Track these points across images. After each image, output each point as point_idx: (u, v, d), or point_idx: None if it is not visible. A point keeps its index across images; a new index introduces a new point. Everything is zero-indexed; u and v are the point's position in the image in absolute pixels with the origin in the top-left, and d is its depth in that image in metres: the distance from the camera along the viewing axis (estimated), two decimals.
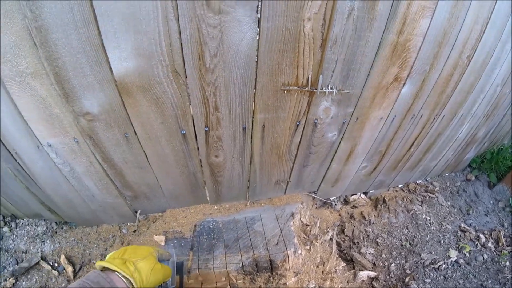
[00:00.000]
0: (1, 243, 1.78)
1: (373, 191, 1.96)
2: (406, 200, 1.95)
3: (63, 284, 1.56)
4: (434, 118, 1.59)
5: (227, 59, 0.97)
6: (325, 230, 1.61)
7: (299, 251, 1.39)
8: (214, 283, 1.28)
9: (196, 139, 1.20)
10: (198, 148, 1.24)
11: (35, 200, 1.50)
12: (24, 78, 0.92)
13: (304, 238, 1.51)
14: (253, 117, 1.18)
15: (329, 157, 1.50)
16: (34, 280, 1.62)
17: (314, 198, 1.72)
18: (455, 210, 2.02)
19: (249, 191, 1.53)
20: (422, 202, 1.97)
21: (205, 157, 1.28)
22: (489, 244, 1.80)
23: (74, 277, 1.55)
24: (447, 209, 2.00)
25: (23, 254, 1.70)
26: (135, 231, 1.58)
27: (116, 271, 0.77)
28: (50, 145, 1.15)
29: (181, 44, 0.91)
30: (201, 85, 1.02)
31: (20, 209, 1.68)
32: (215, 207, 1.55)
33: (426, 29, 1.10)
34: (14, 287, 1.59)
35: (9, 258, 1.70)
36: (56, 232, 1.72)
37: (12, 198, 1.59)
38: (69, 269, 1.55)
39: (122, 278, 0.77)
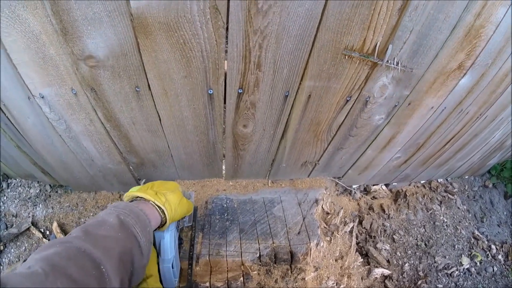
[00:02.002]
0: None
1: (395, 183, 1.82)
2: (427, 198, 1.82)
3: None
4: (477, 117, 1.43)
5: (285, 3, 0.72)
6: (343, 220, 1.46)
7: (321, 244, 1.22)
8: (226, 272, 1.11)
9: (225, 103, 0.97)
10: (224, 114, 1.01)
11: (27, 160, 1.28)
12: (14, 8, 0.70)
13: (325, 228, 1.35)
14: (300, 84, 0.95)
15: (368, 142, 1.31)
16: (24, 247, 1.46)
17: (336, 184, 1.54)
18: (470, 215, 1.94)
19: (271, 170, 1.34)
20: (441, 202, 1.85)
21: (231, 126, 1.06)
22: (499, 257, 1.75)
23: None
24: (463, 213, 1.91)
25: (13, 218, 1.52)
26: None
27: (151, 200, 0.80)
28: (43, 97, 0.92)
29: None
30: (246, 31, 0.76)
31: (12, 168, 1.47)
32: (230, 183, 1.36)
33: (501, 18, 0.92)
34: (1, 254, 1.41)
35: None
36: (49, 196, 1.53)
37: (3, 156, 1.35)
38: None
39: (156, 207, 0.81)
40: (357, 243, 1.51)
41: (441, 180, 2.01)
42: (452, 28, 0.90)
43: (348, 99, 1.05)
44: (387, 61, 0.93)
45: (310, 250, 1.17)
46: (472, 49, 0.99)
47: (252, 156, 1.22)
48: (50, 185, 1.58)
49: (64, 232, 1.42)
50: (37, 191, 1.59)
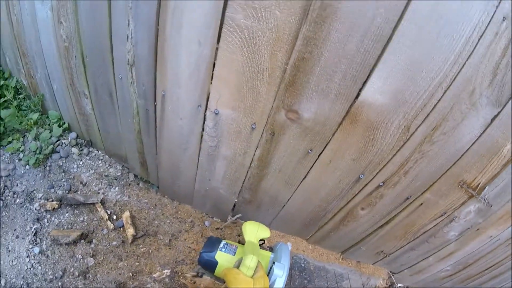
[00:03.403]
0: (64, 160, 1.57)
1: None
2: None
3: (115, 242, 1.39)
4: None
5: (449, 141, 0.99)
6: None
7: None
8: None
9: (363, 188, 1.14)
10: (356, 195, 1.17)
11: (135, 146, 1.35)
12: (254, 36, 0.86)
13: None
14: (422, 194, 1.18)
15: (434, 250, 1.49)
16: (81, 219, 1.44)
17: (389, 277, 1.68)
18: None
19: (350, 248, 1.48)
20: None
21: (352, 205, 1.23)
22: None
23: (132, 242, 1.39)
24: None
25: (81, 185, 1.51)
26: (217, 228, 1.45)
27: None
28: (217, 113, 1.05)
29: (431, 110, 0.90)
30: (415, 149, 1.02)
31: (105, 141, 1.49)
32: (310, 247, 1.47)
33: None
34: (53, 211, 1.39)
35: (64, 180, 1.50)
36: (129, 185, 1.55)
37: (105, 127, 1.40)
38: (130, 230, 1.39)
39: None
40: None
41: None
42: None
43: (443, 214, 1.27)
44: (481, 196, 1.18)
45: None
46: None
47: (347, 232, 1.37)
48: (134, 175, 1.60)
49: (135, 225, 1.44)
50: (117, 174, 1.61)
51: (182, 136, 1.18)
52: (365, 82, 0.87)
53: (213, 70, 0.97)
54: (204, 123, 1.10)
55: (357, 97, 0.90)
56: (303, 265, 1.40)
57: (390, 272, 1.69)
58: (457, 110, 0.90)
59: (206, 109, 1.06)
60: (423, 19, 0.73)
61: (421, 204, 1.22)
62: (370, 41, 0.79)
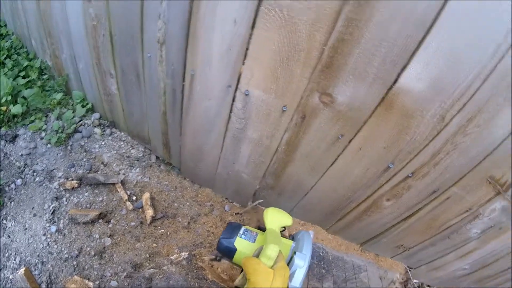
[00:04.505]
0: (86, 140, 1.58)
1: None
2: None
3: (133, 223, 1.40)
4: None
5: (482, 134, 0.97)
6: None
7: None
8: None
9: (391, 178, 1.13)
10: (383, 185, 1.15)
11: (159, 127, 1.35)
12: (294, 15, 0.84)
13: None
14: (449, 187, 1.16)
15: (455, 247, 1.48)
16: (101, 198, 1.45)
17: (406, 272, 1.66)
18: None
19: (370, 240, 1.47)
20: None
21: (377, 195, 1.21)
22: None
23: (150, 223, 1.39)
24: None
25: (102, 165, 1.52)
26: (237, 213, 1.45)
27: None
28: (247, 94, 1.04)
29: (468, 101, 0.88)
30: (447, 139, 1.00)
31: (129, 122, 1.50)
32: (329, 236, 1.46)
33: None
34: (72, 190, 1.40)
35: (85, 159, 1.51)
36: (151, 166, 1.55)
37: (130, 107, 1.40)
38: (149, 212, 1.39)
39: None
40: None
41: None
42: None
43: (468, 210, 1.25)
44: (508, 194, 1.15)
45: None
46: None
47: (369, 223, 1.36)
48: (156, 157, 1.60)
49: (154, 207, 1.44)
50: (139, 155, 1.61)
51: (209, 117, 1.17)
52: (404, 68, 0.85)
53: (246, 49, 0.96)
54: (232, 104, 1.09)
55: (394, 82, 0.88)
56: (321, 254, 1.39)
57: (408, 267, 1.67)
58: (494, 102, 0.88)
59: (236, 90, 1.06)
60: (466, 7, 0.72)
61: (448, 198, 1.20)
62: (413, 25, 0.77)
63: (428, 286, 1.84)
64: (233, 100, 1.09)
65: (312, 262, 1.32)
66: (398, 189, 1.18)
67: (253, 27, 0.92)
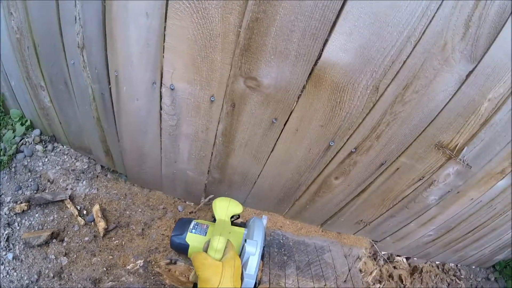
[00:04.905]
0: (29, 159, 1.49)
1: (416, 259, 1.97)
2: (438, 277, 1.99)
3: (87, 238, 1.34)
4: (501, 214, 1.64)
5: (422, 100, 0.94)
6: (377, 279, 1.56)
7: None
8: None
9: (335, 156, 1.10)
10: (328, 164, 1.13)
11: (97, 135, 1.29)
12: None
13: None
14: (397, 158, 1.14)
15: (415, 216, 1.48)
16: (51, 217, 1.39)
17: (372, 246, 1.67)
18: None
19: (329, 220, 1.46)
20: (449, 285, 2.02)
21: (326, 175, 1.21)
22: None
23: (104, 236, 1.33)
24: None
25: (48, 183, 1.45)
26: (191, 212, 1.41)
27: None
28: (173, 89, 1.01)
29: (401, 68, 0.85)
30: (386, 110, 0.97)
31: (68, 134, 1.43)
32: (288, 222, 1.44)
33: None
34: (23, 214, 1.34)
35: (30, 180, 1.44)
36: (97, 177, 1.49)
37: (66, 119, 1.34)
38: (101, 224, 1.34)
39: None
40: None
41: (452, 265, 2.18)
42: (507, 143, 1.12)
43: (421, 178, 1.24)
44: (459, 158, 1.15)
45: None
46: None
47: (323, 204, 1.34)
48: (101, 166, 1.54)
49: (105, 218, 1.39)
50: (84, 167, 1.55)
51: (141, 118, 1.12)
52: (326, 40, 0.81)
53: (164, 42, 0.91)
54: (161, 101, 1.04)
55: (319, 57, 0.85)
56: (281, 241, 1.36)
57: (373, 241, 1.68)
58: (429, 66, 0.85)
59: (161, 86, 1.00)
60: None
61: (397, 169, 1.18)
62: None
63: (399, 255, 1.86)
64: (161, 97, 1.03)
65: (272, 251, 1.29)
66: (345, 166, 1.16)
67: (166, 18, 0.86)
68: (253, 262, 0.83)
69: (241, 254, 0.88)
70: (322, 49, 0.83)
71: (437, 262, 2.10)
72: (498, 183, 1.33)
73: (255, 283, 0.87)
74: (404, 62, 0.84)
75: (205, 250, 0.80)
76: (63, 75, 1.25)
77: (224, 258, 0.76)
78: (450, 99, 0.94)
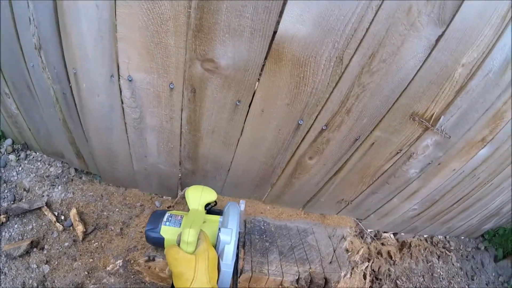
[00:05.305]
0: (3, 170, 1.46)
1: (403, 234, 1.97)
2: (428, 251, 1.99)
3: (66, 243, 1.32)
4: (485, 183, 1.65)
5: (390, 69, 0.91)
6: (363, 258, 1.56)
7: (348, 275, 1.31)
8: None
9: (306, 135, 1.08)
10: (300, 144, 1.11)
11: (65, 137, 1.27)
12: None
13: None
14: (371, 132, 1.12)
15: (397, 191, 1.47)
16: (30, 226, 1.37)
17: (357, 225, 1.66)
18: (462, 272, 2.12)
19: (309, 202, 1.44)
20: (439, 257, 2.03)
21: (299, 155, 1.18)
22: None
23: (83, 239, 1.31)
24: (456, 270, 2.10)
25: (24, 192, 1.42)
26: (169, 207, 1.39)
27: None
28: (131, 80, 0.98)
29: (364, 36, 0.82)
30: (353, 82, 0.94)
31: (39, 140, 1.40)
32: (268, 207, 1.43)
33: None
34: (2, 226, 1.33)
35: (6, 191, 1.42)
36: (72, 180, 1.46)
37: (34, 124, 1.31)
38: (79, 227, 1.32)
39: None
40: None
41: (441, 237, 2.21)
42: (485, 110, 1.11)
43: (398, 151, 1.22)
44: (437, 128, 1.12)
45: (342, 278, 1.24)
46: (494, 127, 1.20)
47: (301, 186, 1.32)
48: (75, 169, 1.51)
49: (83, 221, 1.37)
50: (58, 172, 1.52)
51: (104, 114, 1.09)
52: (281, 13, 0.78)
53: (116, 33, 0.88)
54: (121, 94, 1.01)
55: (275, 32, 0.82)
56: (263, 227, 1.35)
57: (357, 219, 1.67)
58: (395, 32, 0.82)
59: (119, 78, 0.97)
60: None
61: (373, 143, 1.16)
62: None
63: (385, 232, 1.86)
64: (120, 90, 1.00)
65: (253, 238, 1.27)
66: (318, 145, 1.14)
67: (115, 7, 0.83)
68: (229, 251, 0.81)
69: (216, 243, 0.86)
70: (278, 22, 0.80)
71: (425, 236, 2.11)
72: (480, 152, 1.32)
73: (236, 272, 0.86)
74: (367, 29, 0.81)
75: (178, 243, 0.77)
76: (25, 79, 1.21)
77: (197, 250, 0.73)
78: (421, 66, 0.91)
